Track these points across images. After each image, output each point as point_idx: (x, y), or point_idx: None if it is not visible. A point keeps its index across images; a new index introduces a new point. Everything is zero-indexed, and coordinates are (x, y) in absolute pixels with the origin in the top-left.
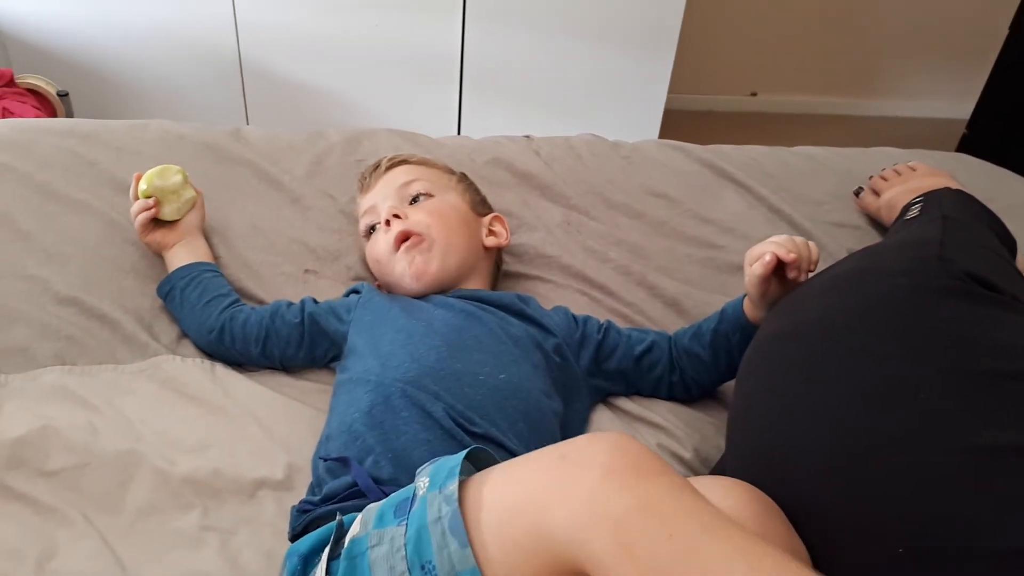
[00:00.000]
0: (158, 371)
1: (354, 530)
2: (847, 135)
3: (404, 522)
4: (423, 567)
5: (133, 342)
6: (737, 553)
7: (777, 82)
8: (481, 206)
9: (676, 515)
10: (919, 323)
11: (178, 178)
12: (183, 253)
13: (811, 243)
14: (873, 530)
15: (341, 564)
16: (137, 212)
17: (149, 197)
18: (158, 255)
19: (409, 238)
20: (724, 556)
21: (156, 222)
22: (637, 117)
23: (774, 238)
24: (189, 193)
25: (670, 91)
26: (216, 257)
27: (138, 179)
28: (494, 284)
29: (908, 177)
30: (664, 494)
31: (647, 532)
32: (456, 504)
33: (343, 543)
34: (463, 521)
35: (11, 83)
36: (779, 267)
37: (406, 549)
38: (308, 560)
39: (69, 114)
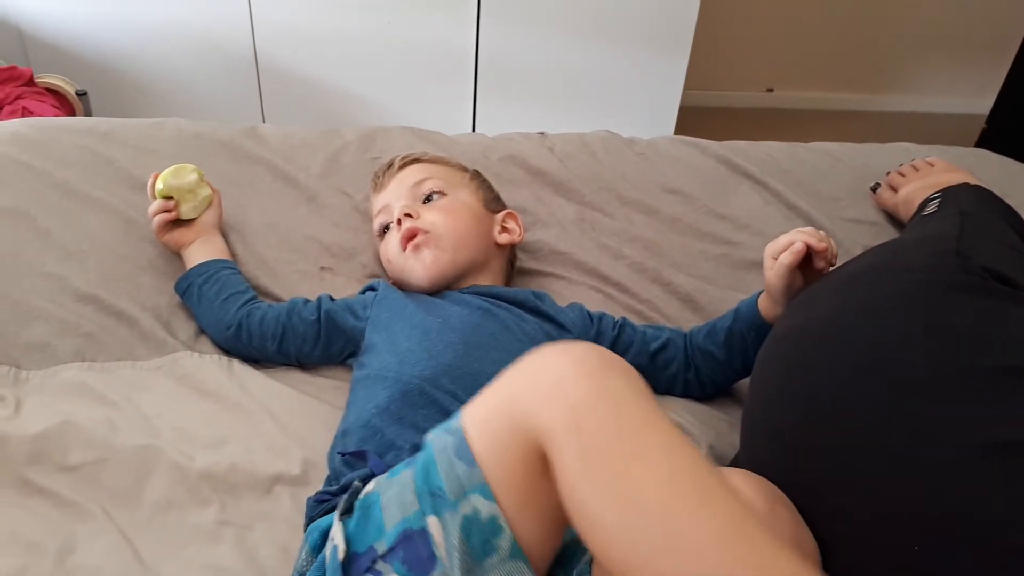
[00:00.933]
0: (175, 367)
1: (368, 489)
2: (864, 131)
3: (412, 466)
4: (432, 493)
5: (151, 339)
6: (668, 444)
7: (793, 78)
8: (494, 203)
9: (627, 404)
10: (934, 319)
11: (193, 176)
12: (201, 250)
13: (831, 239)
14: (888, 528)
15: (355, 515)
16: (155, 212)
17: (168, 197)
18: (176, 253)
19: (416, 236)
20: (657, 444)
21: (173, 221)
22: (652, 114)
23: (799, 229)
24: (205, 191)
25: (685, 87)
26: (233, 254)
27: (155, 179)
28: (508, 281)
29: (926, 173)
30: (624, 388)
31: (597, 413)
32: (461, 433)
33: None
34: (469, 445)
35: (31, 83)
36: (804, 259)
37: (415, 483)
38: (328, 535)
39: (88, 113)
